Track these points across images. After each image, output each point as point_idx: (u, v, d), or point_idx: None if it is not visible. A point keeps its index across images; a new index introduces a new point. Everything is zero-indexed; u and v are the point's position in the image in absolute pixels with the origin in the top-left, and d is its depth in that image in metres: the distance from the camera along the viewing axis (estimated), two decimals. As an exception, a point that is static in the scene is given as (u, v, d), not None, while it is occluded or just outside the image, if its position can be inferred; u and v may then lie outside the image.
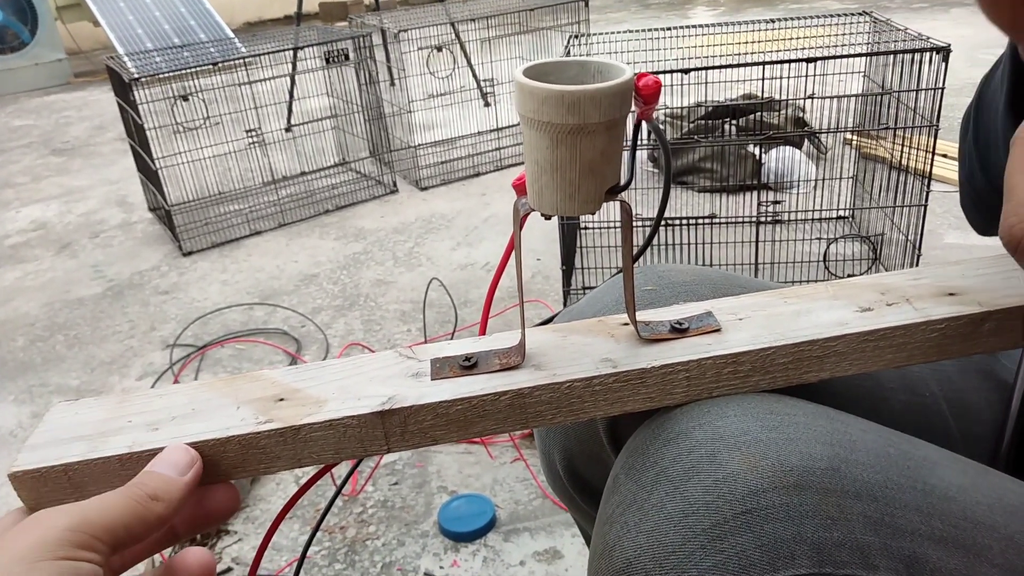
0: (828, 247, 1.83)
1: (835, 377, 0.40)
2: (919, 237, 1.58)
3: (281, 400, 0.38)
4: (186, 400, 0.39)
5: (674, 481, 0.34)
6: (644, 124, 0.37)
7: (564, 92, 0.32)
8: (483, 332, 0.45)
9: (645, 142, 2.38)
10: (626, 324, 0.41)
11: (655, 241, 1.79)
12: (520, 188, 0.37)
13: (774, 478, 0.32)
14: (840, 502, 0.32)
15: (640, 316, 0.42)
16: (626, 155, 0.36)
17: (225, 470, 0.37)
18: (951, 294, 0.41)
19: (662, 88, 0.35)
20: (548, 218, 0.37)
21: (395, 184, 2.63)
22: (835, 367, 0.39)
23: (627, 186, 0.36)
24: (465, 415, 0.37)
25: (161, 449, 0.36)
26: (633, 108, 0.35)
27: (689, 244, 1.74)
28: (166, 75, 2.27)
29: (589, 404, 0.38)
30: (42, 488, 0.36)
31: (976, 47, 3.50)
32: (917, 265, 1.61)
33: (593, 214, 0.36)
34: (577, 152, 0.34)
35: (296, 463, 0.37)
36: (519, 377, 0.38)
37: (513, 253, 0.39)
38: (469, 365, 0.39)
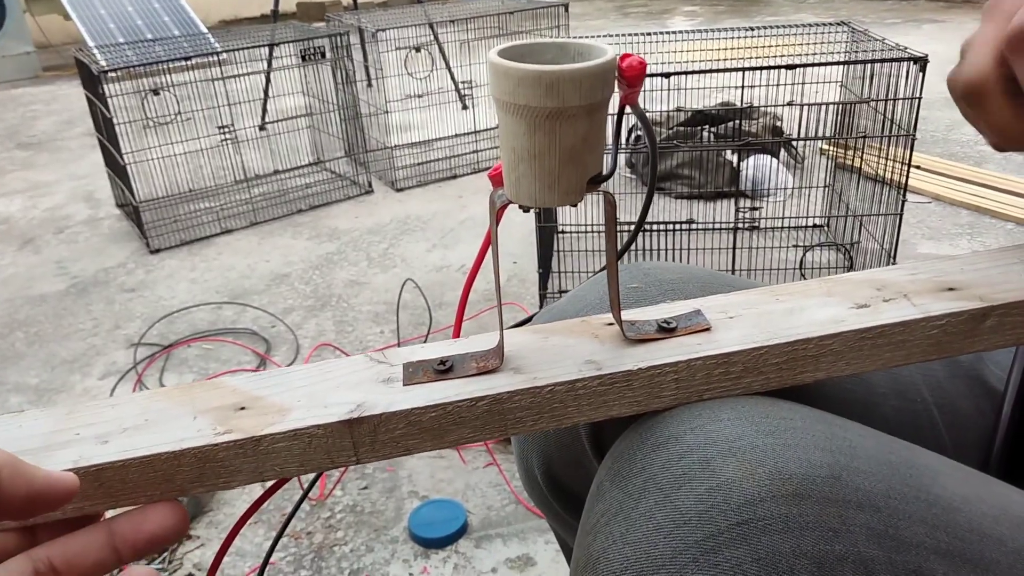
0: (804, 255, 1.84)
1: (830, 378, 0.38)
2: (894, 246, 1.59)
3: (242, 409, 0.36)
4: (139, 410, 0.36)
5: (664, 489, 0.32)
6: (628, 109, 0.34)
7: (542, 72, 0.30)
8: (457, 334, 0.42)
9: (624, 146, 2.37)
10: (611, 324, 0.39)
11: (632, 247, 1.78)
12: (496, 179, 0.35)
13: (772, 487, 0.30)
14: (842, 513, 0.30)
15: (625, 315, 0.40)
16: (609, 143, 0.34)
17: (180, 485, 0.34)
18: (950, 289, 0.39)
19: (646, 74, 0.33)
20: (526, 210, 0.35)
21: (370, 185, 2.59)
22: (831, 367, 0.37)
23: (610, 175, 0.34)
24: (439, 423, 0.35)
25: (110, 463, 0.33)
26: (616, 91, 0.33)
27: (666, 250, 1.73)
28: (137, 68, 2.22)
29: (572, 409, 0.36)
30: None
31: (947, 62, 3.54)
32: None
33: (574, 205, 0.34)
34: (556, 138, 0.31)
35: (258, 477, 0.35)
36: (497, 381, 0.35)
37: (490, 250, 0.37)
38: (444, 369, 0.36)
